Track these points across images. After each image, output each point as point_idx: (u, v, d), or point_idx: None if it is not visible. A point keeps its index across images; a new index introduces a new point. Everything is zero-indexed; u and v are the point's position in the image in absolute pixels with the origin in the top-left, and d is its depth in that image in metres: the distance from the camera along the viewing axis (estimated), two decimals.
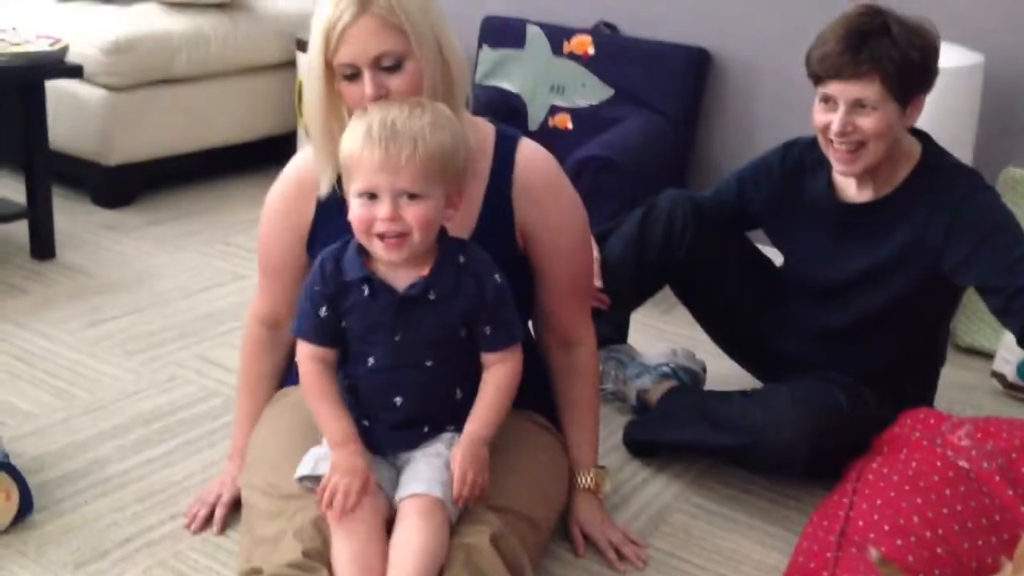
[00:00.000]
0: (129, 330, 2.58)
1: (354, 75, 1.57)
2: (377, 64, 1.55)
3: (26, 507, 1.81)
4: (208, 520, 1.84)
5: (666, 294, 2.32)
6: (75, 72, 2.87)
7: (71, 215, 3.24)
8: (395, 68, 1.56)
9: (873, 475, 1.78)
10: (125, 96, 3.32)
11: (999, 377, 2.54)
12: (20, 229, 2.96)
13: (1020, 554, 1.46)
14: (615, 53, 3.22)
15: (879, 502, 1.72)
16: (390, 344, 1.57)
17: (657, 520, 1.96)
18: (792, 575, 1.67)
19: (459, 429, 1.59)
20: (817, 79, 1.93)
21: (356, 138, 1.49)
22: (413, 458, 1.60)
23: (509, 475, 1.63)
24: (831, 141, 1.94)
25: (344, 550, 1.49)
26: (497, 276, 1.59)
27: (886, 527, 1.67)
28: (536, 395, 1.81)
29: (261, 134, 3.76)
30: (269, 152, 3.75)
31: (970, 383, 2.57)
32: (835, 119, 1.91)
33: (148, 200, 3.46)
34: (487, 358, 1.61)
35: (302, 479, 1.59)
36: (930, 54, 1.91)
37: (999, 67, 2.72)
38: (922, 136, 2.04)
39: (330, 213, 1.69)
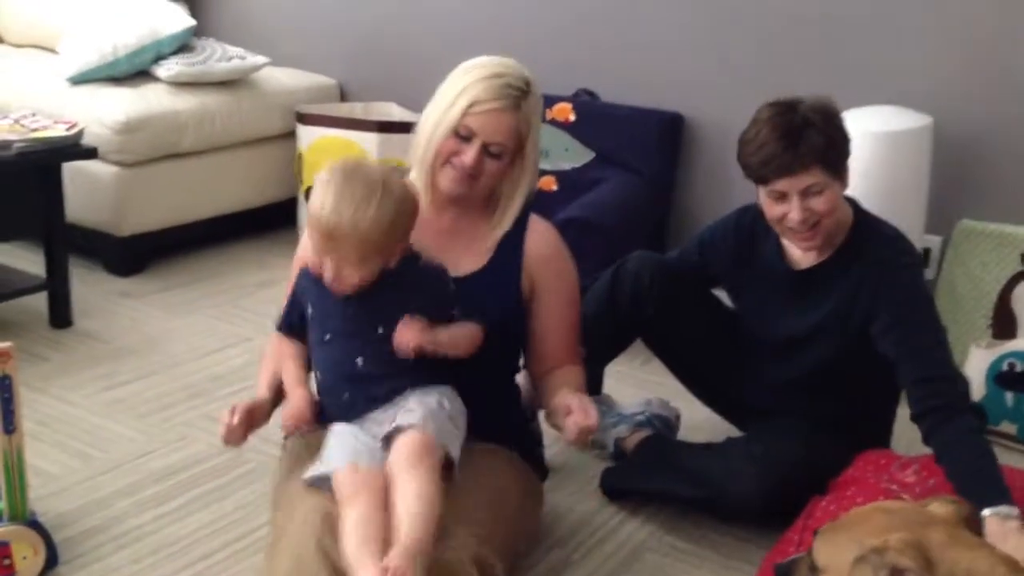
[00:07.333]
0: (142, 393, 2.72)
1: (468, 138, 1.90)
2: (488, 145, 1.90)
3: (52, 561, 1.97)
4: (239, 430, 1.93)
5: (643, 346, 2.48)
6: (90, 154, 3.02)
7: (86, 284, 3.36)
8: (497, 156, 1.91)
9: (821, 512, 1.94)
10: (136, 171, 3.47)
11: None
12: (39, 299, 3.09)
13: None
14: (595, 118, 3.41)
15: None
16: (343, 316, 1.82)
17: (631, 559, 2.12)
18: None
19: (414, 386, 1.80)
20: (763, 180, 2.07)
21: (315, 207, 1.76)
22: (402, 398, 1.79)
23: (485, 495, 1.81)
24: (789, 228, 2.09)
25: (350, 518, 1.65)
26: (445, 284, 1.87)
27: None
28: (511, 433, 1.99)
29: (265, 201, 3.92)
30: (272, 218, 3.94)
31: None
32: (793, 209, 2.05)
33: (159, 267, 3.59)
34: None
35: (312, 479, 1.75)
36: (842, 125, 2.10)
37: (947, 128, 2.90)
38: (851, 202, 2.20)
39: None
